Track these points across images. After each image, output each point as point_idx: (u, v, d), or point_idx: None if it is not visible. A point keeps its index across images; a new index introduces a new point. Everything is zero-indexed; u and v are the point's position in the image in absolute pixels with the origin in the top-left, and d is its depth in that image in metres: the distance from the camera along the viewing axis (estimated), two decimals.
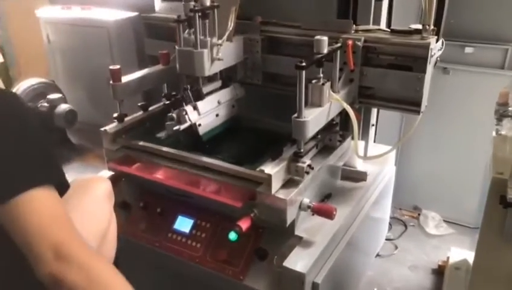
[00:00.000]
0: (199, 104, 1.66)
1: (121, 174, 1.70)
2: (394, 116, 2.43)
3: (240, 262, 1.54)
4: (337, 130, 1.70)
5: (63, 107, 3.04)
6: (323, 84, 1.45)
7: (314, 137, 1.55)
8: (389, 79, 1.67)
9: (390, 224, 2.43)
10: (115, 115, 1.78)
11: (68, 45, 3.27)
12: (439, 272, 2.16)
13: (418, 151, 2.52)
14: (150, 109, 1.90)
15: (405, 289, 2.10)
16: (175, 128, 1.59)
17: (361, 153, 1.83)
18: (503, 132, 1.74)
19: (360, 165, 1.90)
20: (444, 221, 2.51)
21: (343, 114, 1.66)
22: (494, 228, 1.53)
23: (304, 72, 1.34)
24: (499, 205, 1.47)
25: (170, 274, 1.71)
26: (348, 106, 1.54)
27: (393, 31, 1.72)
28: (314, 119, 1.40)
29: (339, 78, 1.60)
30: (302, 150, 1.45)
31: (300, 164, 1.44)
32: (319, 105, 1.46)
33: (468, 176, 2.43)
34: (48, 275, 0.86)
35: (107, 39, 3.02)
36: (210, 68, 1.63)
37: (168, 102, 1.88)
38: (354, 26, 1.73)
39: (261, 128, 1.90)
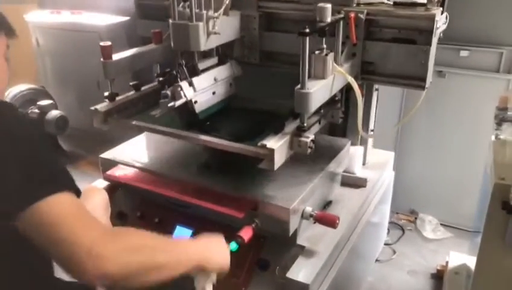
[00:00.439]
0: (195, 80, 1.58)
1: (117, 184, 1.66)
2: (391, 121, 2.43)
3: (242, 273, 1.51)
4: (339, 106, 1.64)
5: (54, 113, 2.98)
6: (326, 54, 1.40)
7: (316, 112, 1.50)
8: (392, 53, 1.62)
9: (388, 229, 2.42)
10: (106, 93, 1.69)
11: (58, 49, 3.22)
12: (438, 276, 2.16)
13: (413, 155, 2.52)
14: (143, 88, 1.82)
15: None
16: (170, 104, 1.50)
17: (364, 131, 1.78)
18: (502, 137, 1.74)
19: (359, 172, 1.88)
20: (441, 225, 2.52)
21: (344, 93, 1.63)
22: (496, 233, 1.52)
23: (307, 39, 1.28)
24: (501, 210, 1.46)
25: (169, 286, 1.67)
26: (352, 79, 1.49)
27: (396, 4, 1.66)
28: (317, 91, 1.34)
29: (341, 53, 1.54)
30: (305, 124, 1.38)
31: (303, 139, 1.37)
32: (322, 77, 1.40)
33: (464, 179, 2.44)
34: (87, 274, 0.87)
35: (98, 44, 2.96)
36: (206, 42, 1.55)
37: (161, 79, 1.74)
38: None
39: (259, 108, 1.82)
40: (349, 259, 1.61)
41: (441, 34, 1.70)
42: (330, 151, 1.73)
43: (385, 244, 2.36)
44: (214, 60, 1.72)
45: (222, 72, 1.72)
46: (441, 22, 1.64)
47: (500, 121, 1.72)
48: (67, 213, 0.89)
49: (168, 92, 1.52)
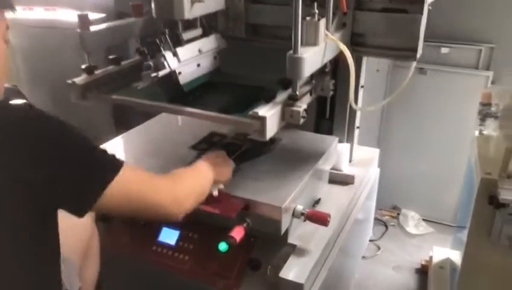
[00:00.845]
0: (179, 50, 1.52)
1: None
2: (373, 118, 2.44)
3: (232, 274, 1.48)
4: (329, 78, 1.60)
5: None
6: (318, 19, 1.35)
7: (308, 82, 1.48)
8: (383, 23, 1.60)
9: None
10: (83, 66, 1.60)
11: (31, 47, 3.10)
12: (423, 271, 2.18)
13: (395, 151, 2.54)
14: (123, 63, 1.72)
15: None
16: (153, 75, 1.44)
17: (356, 104, 1.75)
18: (485, 132, 1.76)
19: (346, 169, 1.87)
20: (423, 220, 2.54)
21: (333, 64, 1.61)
22: (482, 227, 1.54)
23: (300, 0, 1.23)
24: (488, 205, 1.48)
25: (158, 289, 1.63)
26: (345, 46, 1.45)
27: None
28: (310, 57, 1.30)
29: (332, 22, 1.49)
30: (297, 93, 1.33)
31: (296, 108, 1.32)
32: (314, 44, 1.36)
33: (445, 175, 2.47)
34: (174, 216, 1.15)
35: (73, 41, 2.88)
36: (190, 11, 1.49)
37: (143, 49, 1.61)
38: None
39: (245, 83, 1.75)
40: (340, 257, 1.60)
41: (429, 7, 1.65)
42: (318, 148, 1.71)
43: (369, 240, 2.37)
44: (198, 31, 1.65)
45: (207, 44, 1.66)
46: None
47: (483, 116, 1.74)
48: (137, 182, 1.06)
49: (151, 63, 1.46)
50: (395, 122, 2.51)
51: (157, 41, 1.49)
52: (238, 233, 1.37)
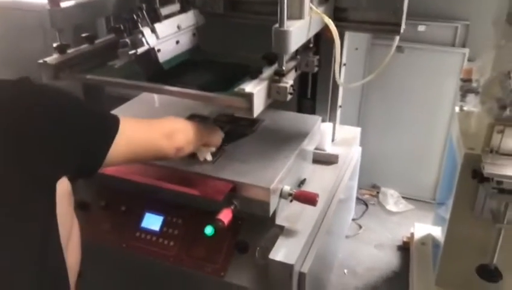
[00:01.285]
0: (157, 26, 1.46)
1: None
2: (353, 97, 2.43)
3: (219, 258, 1.45)
4: (313, 54, 1.58)
5: None
6: None
7: (293, 58, 1.45)
8: None
9: None
10: (55, 44, 1.51)
11: None
12: (405, 248, 2.20)
13: (373, 130, 2.54)
14: (97, 42, 1.64)
15: (374, 268, 2.11)
16: (131, 52, 1.38)
17: (341, 80, 1.75)
18: (466, 108, 1.78)
19: (329, 148, 1.86)
20: (403, 197, 2.57)
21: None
22: (465, 202, 1.56)
23: None
24: (472, 179, 1.49)
25: (143, 277, 1.58)
26: (330, 20, 1.42)
27: None
28: (296, 30, 1.26)
29: None
30: (284, 68, 1.30)
31: (282, 84, 1.28)
32: (299, 17, 1.31)
33: (424, 152, 2.49)
34: (172, 155, 1.28)
35: (39, 24, 2.74)
36: None
37: (118, 26, 1.55)
38: None
39: (226, 61, 1.71)
40: (327, 236, 1.59)
41: None
42: (301, 128, 1.69)
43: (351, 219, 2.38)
44: (176, 7, 1.60)
45: (185, 20, 1.61)
46: None
47: (464, 92, 1.75)
48: (139, 131, 1.18)
49: (128, 40, 1.40)
50: (372, 101, 2.50)
51: (134, 17, 1.42)
52: (226, 216, 1.33)
